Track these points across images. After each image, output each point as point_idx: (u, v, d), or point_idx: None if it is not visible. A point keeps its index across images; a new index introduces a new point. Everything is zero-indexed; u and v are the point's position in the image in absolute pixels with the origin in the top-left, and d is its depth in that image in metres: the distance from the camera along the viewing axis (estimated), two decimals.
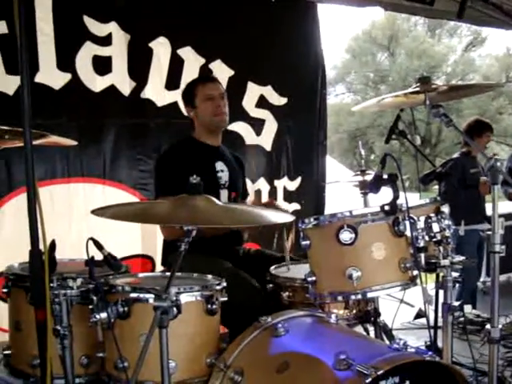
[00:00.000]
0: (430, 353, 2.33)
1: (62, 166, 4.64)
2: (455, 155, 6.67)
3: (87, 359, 2.87)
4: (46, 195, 4.46)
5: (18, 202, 4.32)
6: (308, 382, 2.30)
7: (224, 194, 3.90)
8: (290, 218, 2.83)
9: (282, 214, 2.97)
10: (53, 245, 2.53)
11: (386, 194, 2.82)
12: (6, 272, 3.07)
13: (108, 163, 4.85)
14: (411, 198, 2.90)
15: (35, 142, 2.73)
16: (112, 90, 4.80)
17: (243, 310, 2.99)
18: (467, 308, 5.54)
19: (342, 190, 5.18)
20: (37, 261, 2.25)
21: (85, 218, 4.52)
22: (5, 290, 3.04)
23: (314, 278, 2.80)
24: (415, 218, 2.78)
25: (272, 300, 3.25)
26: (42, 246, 2.32)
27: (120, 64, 4.83)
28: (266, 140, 5.73)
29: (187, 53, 5.13)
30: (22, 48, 2.18)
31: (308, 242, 2.80)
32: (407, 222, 2.73)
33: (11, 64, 4.24)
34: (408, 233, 2.74)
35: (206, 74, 4.91)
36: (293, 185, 5.93)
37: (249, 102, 5.55)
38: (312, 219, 2.78)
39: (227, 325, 3.20)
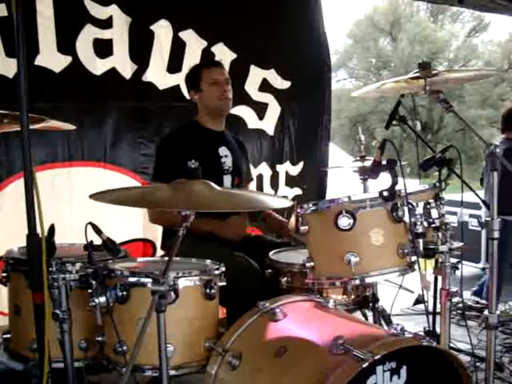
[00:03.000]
0: (427, 338, 2.34)
1: (63, 150, 4.65)
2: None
3: (86, 343, 2.86)
4: (46, 179, 4.47)
5: (19, 186, 4.27)
6: (305, 366, 2.31)
7: (228, 179, 3.89)
8: (287, 203, 2.83)
9: (280, 199, 2.97)
10: (52, 229, 2.53)
11: (386, 180, 2.82)
12: (5, 256, 3.08)
13: (109, 147, 4.85)
14: (412, 184, 2.90)
15: (34, 127, 2.73)
16: (113, 73, 4.79)
17: (243, 292, 3.00)
18: (466, 294, 5.54)
19: (342, 175, 5.17)
20: (34, 244, 2.25)
21: (86, 202, 4.47)
22: (4, 275, 3.05)
23: (312, 264, 2.81)
24: (414, 204, 2.78)
25: (271, 285, 3.26)
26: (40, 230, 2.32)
27: (121, 47, 4.81)
28: (269, 124, 5.71)
29: (189, 36, 5.11)
30: (18, 32, 2.16)
31: (306, 228, 2.80)
32: (406, 208, 2.73)
33: (11, 47, 4.21)
34: (406, 218, 2.74)
35: (211, 59, 4.87)
36: (295, 170, 5.90)
37: (251, 86, 5.52)
38: (310, 205, 2.79)
39: (226, 306, 3.20)
